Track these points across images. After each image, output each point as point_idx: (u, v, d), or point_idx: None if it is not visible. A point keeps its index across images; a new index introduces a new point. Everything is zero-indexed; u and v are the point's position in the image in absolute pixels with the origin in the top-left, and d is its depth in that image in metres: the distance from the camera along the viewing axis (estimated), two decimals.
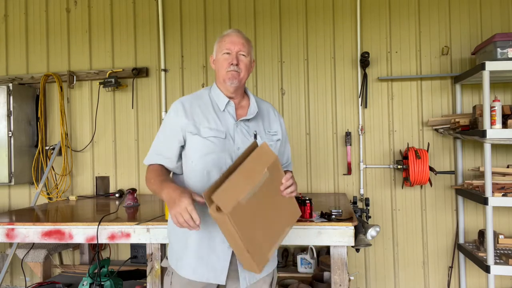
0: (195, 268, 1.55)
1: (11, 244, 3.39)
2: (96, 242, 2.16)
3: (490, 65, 2.57)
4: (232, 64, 1.57)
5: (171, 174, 1.65)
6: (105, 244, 3.47)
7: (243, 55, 1.59)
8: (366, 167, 3.26)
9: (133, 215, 2.47)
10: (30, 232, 2.24)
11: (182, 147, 1.60)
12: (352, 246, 2.08)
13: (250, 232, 1.33)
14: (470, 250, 2.91)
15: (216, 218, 1.28)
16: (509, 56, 2.61)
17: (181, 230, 1.53)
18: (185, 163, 1.60)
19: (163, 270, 2.03)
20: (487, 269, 2.59)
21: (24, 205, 3.68)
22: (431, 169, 3.00)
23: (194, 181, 1.55)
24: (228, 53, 1.59)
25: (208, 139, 1.53)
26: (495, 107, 2.59)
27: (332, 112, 3.34)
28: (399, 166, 3.12)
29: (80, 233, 2.21)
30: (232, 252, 1.53)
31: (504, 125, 2.65)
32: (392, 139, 3.26)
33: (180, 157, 1.61)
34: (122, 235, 2.17)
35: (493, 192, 2.60)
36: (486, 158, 2.59)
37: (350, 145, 3.25)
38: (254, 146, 1.44)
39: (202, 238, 1.54)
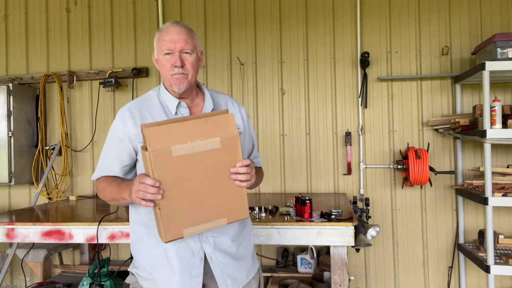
0: (167, 284, 1.41)
1: (11, 244, 3.38)
2: (96, 242, 2.17)
3: (490, 65, 2.57)
4: (176, 66, 1.38)
5: None
6: (105, 244, 3.47)
7: (188, 52, 1.39)
8: (366, 167, 3.26)
9: None
10: (30, 232, 2.24)
11: (134, 159, 1.45)
12: (352, 246, 2.08)
13: (170, 191, 1.19)
14: (470, 250, 2.91)
15: (142, 154, 1.22)
16: (509, 56, 2.60)
17: (153, 248, 1.42)
18: (138, 172, 1.45)
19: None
20: (487, 269, 2.59)
21: (24, 205, 3.68)
22: (431, 169, 3.00)
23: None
24: (169, 53, 1.39)
25: None
26: (495, 107, 2.59)
27: (332, 112, 3.34)
28: (399, 166, 3.12)
29: (80, 233, 2.21)
30: (203, 265, 1.41)
31: (504, 125, 2.65)
32: (392, 139, 3.26)
33: (130, 170, 1.47)
34: (122, 235, 2.17)
35: (493, 192, 2.59)
36: (486, 158, 2.59)
37: (350, 145, 3.25)
38: (220, 113, 1.29)
39: (172, 257, 1.40)
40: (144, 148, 1.19)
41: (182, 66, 1.39)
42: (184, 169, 1.21)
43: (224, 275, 1.43)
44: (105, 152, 1.48)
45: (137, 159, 1.46)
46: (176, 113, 1.45)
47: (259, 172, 1.56)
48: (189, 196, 1.23)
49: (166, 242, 1.25)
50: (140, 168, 1.45)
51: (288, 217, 2.19)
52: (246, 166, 1.26)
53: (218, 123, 1.25)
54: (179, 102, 1.45)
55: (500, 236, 2.87)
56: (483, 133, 2.58)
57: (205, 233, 1.41)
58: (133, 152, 1.43)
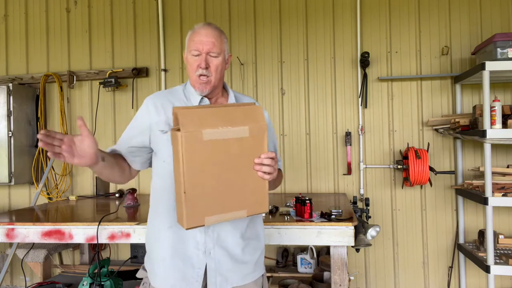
0: (165, 277, 1.44)
1: (11, 244, 3.38)
2: (96, 242, 2.16)
3: (490, 65, 2.57)
4: (200, 67, 1.42)
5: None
6: (105, 244, 3.47)
7: (214, 56, 1.43)
8: (366, 167, 3.26)
9: (133, 215, 2.47)
10: (30, 232, 2.24)
11: (144, 146, 1.49)
12: (352, 246, 2.08)
13: (197, 175, 1.19)
14: (470, 250, 2.91)
15: (172, 136, 1.22)
16: (509, 56, 2.61)
17: (158, 238, 1.46)
18: (156, 165, 1.49)
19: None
20: (487, 269, 2.59)
21: (24, 205, 3.68)
22: (431, 169, 3.00)
23: (169, 183, 1.39)
24: (197, 55, 1.43)
25: None
26: (495, 107, 2.59)
27: (332, 112, 3.34)
28: (399, 166, 3.12)
29: (80, 233, 2.21)
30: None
31: (504, 125, 2.65)
32: (392, 139, 3.26)
33: (137, 155, 1.52)
34: (122, 235, 2.17)
35: (493, 192, 2.59)
36: (486, 158, 2.59)
37: (350, 145, 3.25)
38: (249, 104, 1.34)
39: (173, 244, 1.42)
40: (176, 129, 1.19)
41: (207, 68, 1.42)
42: (212, 154, 1.20)
43: (216, 272, 1.43)
44: (124, 135, 1.54)
45: (152, 151, 1.49)
46: None
47: (279, 173, 1.58)
48: (214, 183, 1.22)
49: (187, 229, 1.23)
50: (157, 154, 1.47)
51: (288, 217, 2.19)
52: (271, 158, 1.28)
53: (247, 113, 1.26)
54: (202, 98, 1.49)
55: (500, 236, 2.87)
56: (483, 133, 2.58)
57: (212, 227, 1.41)
58: (146, 140, 1.47)
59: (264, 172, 1.28)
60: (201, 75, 1.42)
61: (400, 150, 3.23)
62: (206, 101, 1.49)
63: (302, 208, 2.16)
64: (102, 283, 2.54)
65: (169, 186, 1.39)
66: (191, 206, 1.20)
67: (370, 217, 2.96)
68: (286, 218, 2.16)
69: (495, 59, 2.61)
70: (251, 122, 1.26)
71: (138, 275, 1.59)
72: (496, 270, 2.57)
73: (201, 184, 1.20)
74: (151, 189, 1.53)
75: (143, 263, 1.59)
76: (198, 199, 1.21)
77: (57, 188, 3.59)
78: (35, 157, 3.60)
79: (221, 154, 1.22)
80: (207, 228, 1.41)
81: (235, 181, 1.26)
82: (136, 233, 2.16)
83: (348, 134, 3.24)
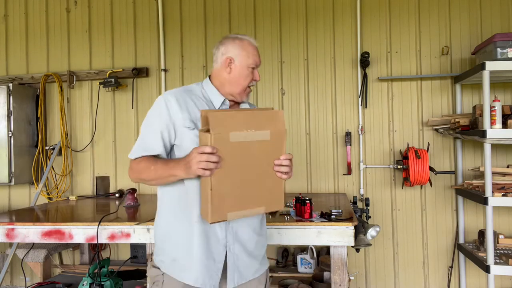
0: (189, 271, 1.47)
1: (11, 244, 3.38)
2: (96, 242, 2.17)
3: (490, 65, 2.57)
4: (255, 79, 1.55)
5: None
6: (105, 244, 3.47)
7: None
8: (366, 167, 3.26)
9: (133, 215, 2.47)
10: (30, 232, 2.24)
11: (171, 143, 1.50)
12: (352, 246, 2.08)
13: (222, 174, 1.29)
14: (470, 250, 2.91)
15: (201, 136, 1.31)
16: (509, 56, 2.60)
17: (181, 232, 1.48)
18: (177, 156, 1.50)
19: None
20: (487, 269, 2.59)
21: (24, 205, 3.68)
22: (431, 169, 3.00)
23: (194, 180, 1.44)
24: (254, 68, 1.55)
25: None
26: (495, 107, 2.59)
27: (332, 112, 3.34)
28: (399, 166, 3.12)
29: (80, 233, 2.21)
30: (226, 253, 1.48)
31: (504, 125, 2.65)
32: (392, 139, 3.26)
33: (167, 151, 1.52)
34: (122, 235, 2.17)
35: (493, 192, 2.59)
36: (486, 158, 2.59)
37: (350, 145, 3.25)
38: (270, 109, 1.45)
39: (197, 238, 1.46)
40: (204, 130, 1.29)
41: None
42: (237, 155, 1.31)
43: (235, 267, 1.50)
44: (146, 132, 1.51)
45: (174, 144, 1.50)
46: (219, 107, 1.54)
47: None
48: (237, 181, 1.33)
49: (211, 223, 1.35)
50: (182, 150, 1.47)
51: (288, 217, 2.19)
52: (289, 160, 1.41)
53: (269, 117, 1.37)
54: (224, 99, 1.55)
55: (500, 236, 2.88)
56: (483, 133, 2.58)
57: (231, 223, 1.49)
58: (172, 136, 1.48)
59: (282, 172, 1.39)
60: (250, 86, 1.55)
61: (400, 150, 3.23)
62: (227, 102, 1.56)
63: (302, 208, 2.16)
64: (102, 283, 2.54)
65: (195, 183, 1.43)
66: (216, 202, 1.30)
67: (370, 217, 2.96)
68: (286, 218, 2.16)
69: (495, 59, 2.61)
70: (273, 126, 1.36)
71: (149, 273, 1.58)
72: (496, 270, 2.57)
73: (225, 182, 1.31)
74: (169, 186, 1.52)
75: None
76: (222, 196, 1.31)
77: (57, 188, 3.59)
78: (35, 157, 3.60)
79: (244, 155, 1.33)
80: (227, 224, 1.48)
81: (255, 180, 1.37)
82: (136, 233, 2.16)
83: (348, 134, 3.24)
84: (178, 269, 1.49)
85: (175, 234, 1.51)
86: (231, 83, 1.54)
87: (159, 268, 1.54)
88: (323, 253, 3.13)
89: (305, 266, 3.01)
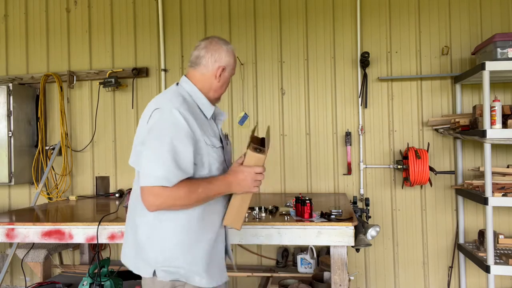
0: (212, 272, 1.50)
1: (11, 244, 3.39)
2: (96, 242, 2.17)
3: (490, 65, 2.57)
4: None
5: None
6: (105, 244, 3.47)
7: None
8: (366, 167, 3.26)
9: None
10: (30, 232, 2.24)
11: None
12: (352, 246, 2.08)
13: None
14: (470, 250, 2.91)
15: (251, 156, 1.47)
16: (509, 56, 2.61)
17: (205, 238, 1.48)
18: (202, 175, 1.46)
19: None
20: (487, 269, 2.59)
21: (24, 205, 3.68)
22: (431, 169, 3.00)
23: None
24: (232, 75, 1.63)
25: (218, 148, 1.51)
26: (495, 107, 2.59)
27: (332, 112, 3.34)
28: (399, 166, 3.12)
29: (80, 233, 2.21)
30: (225, 248, 1.64)
31: (504, 125, 2.65)
32: (392, 139, 3.26)
33: None
34: (122, 235, 2.17)
35: (493, 192, 2.59)
36: (486, 158, 2.59)
37: (350, 145, 3.25)
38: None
39: (210, 241, 1.50)
40: (252, 149, 1.48)
41: None
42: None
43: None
44: (178, 151, 1.36)
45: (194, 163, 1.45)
46: (210, 118, 1.57)
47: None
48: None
49: (239, 229, 1.56)
50: (203, 170, 1.46)
51: (288, 217, 2.19)
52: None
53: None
54: (215, 108, 1.60)
55: (500, 236, 2.87)
56: (483, 133, 2.58)
57: (228, 230, 1.69)
58: (194, 153, 1.42)
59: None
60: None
61: (400, 150, 3.23)
62: (216, 108, 1.61)
63: (302, 208, 2.16)
64: (102, 283, 2.54)
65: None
66: (244, 213, 1.54)
67: (370, 217, 2.96)
68: (286, 218, 2.16)
69: (495, 59, 2.61)
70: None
71: (161, 277, 1.47)
72: (496, 270, 2.57)
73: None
74: None
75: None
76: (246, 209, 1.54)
77: (57, 188, 3.59)
78: (35, 157, 3.60)
79: None
80: (227, 231, 1.65)
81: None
82: None
83: (348, 134, 3.24)
84: (205, 272, 1.46)
85: (197, 241, 1.46)
86: (216, 91, 1.56)
87: (174, 274, 1.46)
88: (323, 253, 3.12)
89: (305, 266, 3.01)
